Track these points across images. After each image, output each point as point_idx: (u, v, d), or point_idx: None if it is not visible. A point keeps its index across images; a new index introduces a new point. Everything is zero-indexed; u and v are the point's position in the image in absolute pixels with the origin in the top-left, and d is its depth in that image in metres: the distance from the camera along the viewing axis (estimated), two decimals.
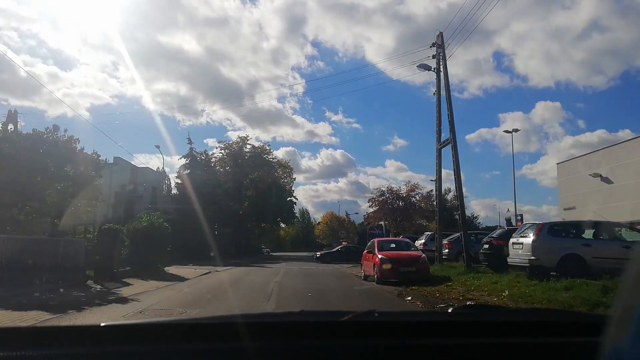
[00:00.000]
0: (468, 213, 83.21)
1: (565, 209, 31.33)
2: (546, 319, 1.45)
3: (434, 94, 20.24)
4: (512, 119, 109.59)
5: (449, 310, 1.46)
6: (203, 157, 47.76)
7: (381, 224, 46.96)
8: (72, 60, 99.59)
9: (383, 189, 45.25)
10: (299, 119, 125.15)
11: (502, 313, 1.61)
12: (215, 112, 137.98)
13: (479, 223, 67.40)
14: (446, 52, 19.71)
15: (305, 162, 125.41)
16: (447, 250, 21.68)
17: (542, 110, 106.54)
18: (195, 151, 46.02)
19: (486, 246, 17.32)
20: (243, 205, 47.22)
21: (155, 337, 1.19)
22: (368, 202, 45.23)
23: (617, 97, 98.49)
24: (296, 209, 59.52)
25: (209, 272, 19.91)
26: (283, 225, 66.00)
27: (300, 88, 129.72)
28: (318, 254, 40.02)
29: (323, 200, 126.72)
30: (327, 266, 28.71)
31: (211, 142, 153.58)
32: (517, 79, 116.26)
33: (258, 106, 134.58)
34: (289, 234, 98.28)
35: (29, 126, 35.71)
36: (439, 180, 21.71)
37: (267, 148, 55.63)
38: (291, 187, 56.29)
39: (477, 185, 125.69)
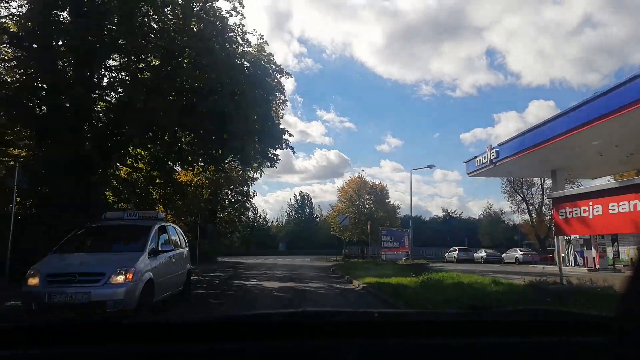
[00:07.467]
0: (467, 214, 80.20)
1: None
2: (546, 319, 1.45)
3: None
4: (506, 119, 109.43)
5: (449, 310, 1.46)
6: None
7: None
8: None
9: None
10: (290, 118, 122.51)
11: (502, 313, 1.61)
12: None
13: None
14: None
15: (300, 163, 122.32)
16: None
17: (537, 109, 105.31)
18: None
19: None
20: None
21: (159, 336, 1.19)
22: None
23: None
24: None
25: None
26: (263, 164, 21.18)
27: (290, 85, 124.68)
28: None
29: (320, 201, 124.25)
30: None
31: None
32: (510, 76, 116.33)
33: None
34: (283, 230, 75.09)
35: None
36: None
37: None
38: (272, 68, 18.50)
39: (474, 185, 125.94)
